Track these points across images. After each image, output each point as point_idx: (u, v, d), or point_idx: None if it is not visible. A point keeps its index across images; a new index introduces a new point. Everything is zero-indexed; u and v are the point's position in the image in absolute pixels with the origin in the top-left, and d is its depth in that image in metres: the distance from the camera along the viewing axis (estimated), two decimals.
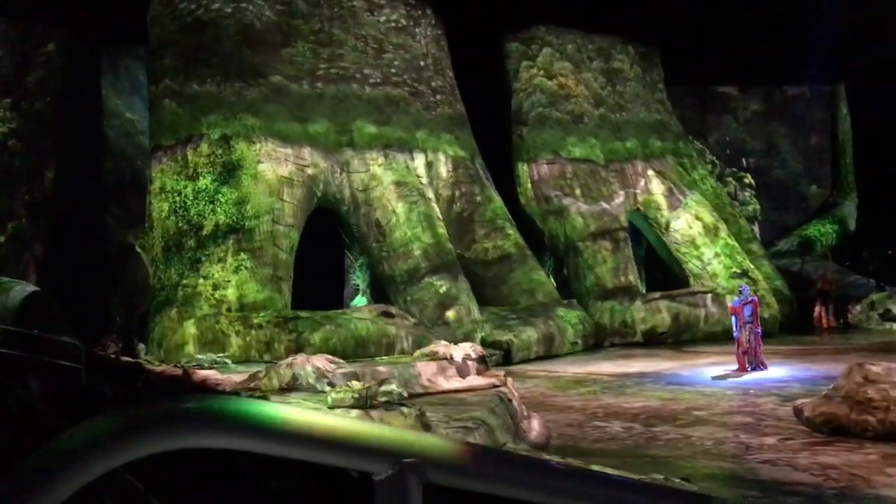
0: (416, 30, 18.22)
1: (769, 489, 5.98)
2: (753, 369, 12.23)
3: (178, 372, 8.68)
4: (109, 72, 18.03)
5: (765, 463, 6.83)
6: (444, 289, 15.52)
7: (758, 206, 23.82)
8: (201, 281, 13.89)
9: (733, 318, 12.66)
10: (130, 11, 16.30)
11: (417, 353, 10.21)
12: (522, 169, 19.52)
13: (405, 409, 6.33)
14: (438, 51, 18.61)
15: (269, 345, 13.08)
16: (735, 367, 12.48)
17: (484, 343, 14.30)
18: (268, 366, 8.91)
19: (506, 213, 17.89)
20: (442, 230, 16.37)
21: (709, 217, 20.15)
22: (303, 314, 13.79)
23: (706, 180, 21.93)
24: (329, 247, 17.07)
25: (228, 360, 11.99)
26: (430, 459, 0.76)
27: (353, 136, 16.32)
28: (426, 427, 6.28)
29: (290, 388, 7.93)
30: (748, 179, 23.96)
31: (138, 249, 13.09)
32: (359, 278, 17.01)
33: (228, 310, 13.69)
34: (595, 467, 5.52)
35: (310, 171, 15.65)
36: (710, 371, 12.78)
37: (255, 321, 13.29)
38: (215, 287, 13.87)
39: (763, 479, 6.32)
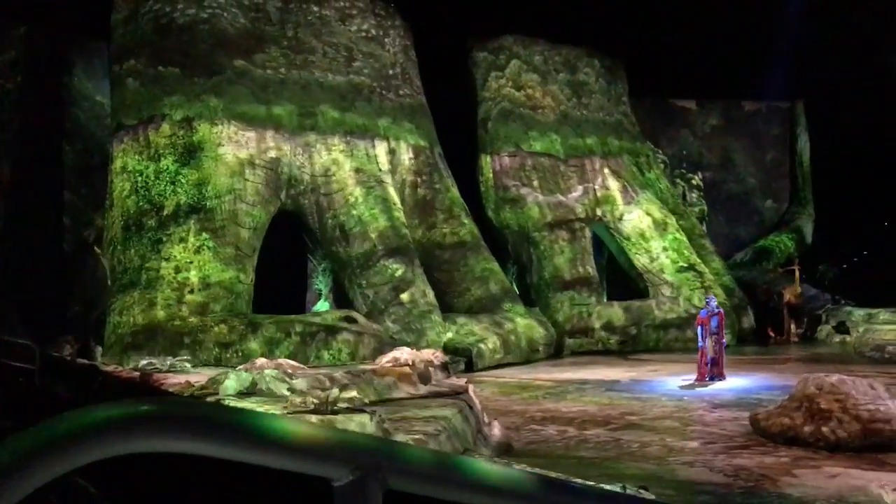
0: (386, 39, 18.36)
1: (683, 488, 6.26)
2: (712, 379, 12.42)
3: (136, 375, 8.53)
4: (81, 54, 17.83)
5: (683, 465, 7.13)
6: (399, 272, 15.72)
7: (705, 208, 24.32)
8: (164, 264, 13.85)
9: (699, 329, 12.84)
10: (99, 11, 16.11)
11: (380, 359, 10.18)
12: (485, 161, 20.11)
13: (366, 416, 6.29)
14: (406, 60, 18.76)
15: (228, 348, 12.94)
16: (695, 376, 12.67)
17: (446, 350, 14.33)
18: (227, 370, 8.80)
19: (462, 203, 18.24)
20: (398, 215, 16.60)
21: (658, 214, 20.80)
22: (264, 318, 13.67)
23: (660, 180, 22.60)
24: (292, 251, 16.96)
25: (187, 364, 11.83)
26: (390, 465, 0.75)
27: (317, 120, 16.45)
28: (387, 433, 6.25)
29: (250, 392, 7.84)
30: (696, 181, 24.52)
31: (97, 250, 12.86)
32: (321, 283, 16.91)
33: (191, 292, 13.66)
34: (553, 474, 5.55)
35: (272, 153, 15.73)
36: (666, 379, 12.99)
37: (215, 327, 13.11)
38: (177, 270, 13.84)
39: (679, 479, 6.62)
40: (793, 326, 19.35)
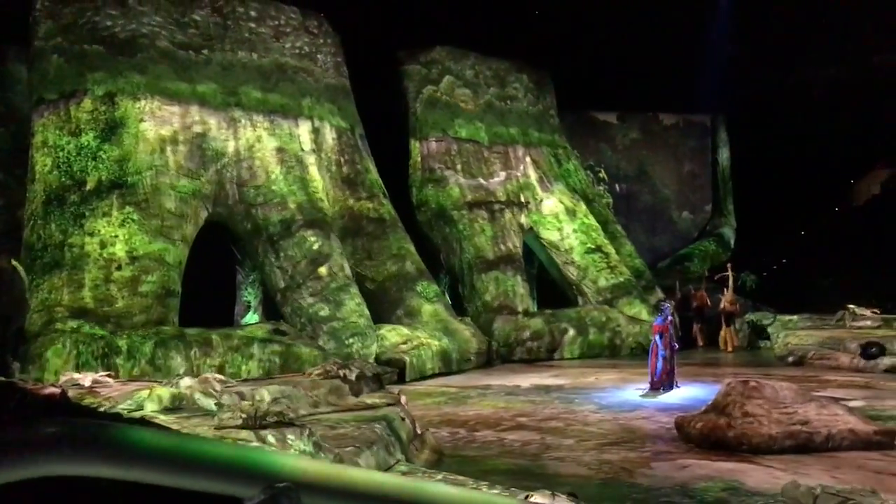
0: (318, 56, 18.39)
1: (549, 480, 6.67)
2: (667, 388, 12.60)
3: (57, 391, 8.24)
4: (14, 38, 17.27)
5: (555, 460, 7.72)
6: (316, 245, 15.82)
7: (610, 200, 25.05)
8: (87, 239, 13.60)
9: (657, 337, 12.82)
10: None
11: (310, 371, 10.06)
12: (414, 145, 20.57)
13: (296, 430, 6.20)
14: (338, 77, 18.84)
15: (154, 362, 12.62)
16: (648, 385, 12.80)
17: (378, 361, 14.27)
18: (152, 384, 8.58)
19: (381, 184, 18.51)
20: (317, 193, 16.75)
21: (570, 202, 21.82)
22: (191, 331, 13.39)
23: (578, 172, 23.46)
24: (219, 264, 16.68)
25: (111, 379, 11.47)
26: (302, 483, 0.74)
27: (241, 98, 16.48)
28: (318, 447, 6.18)
29: (176, 408, 7.66)
30: (602, 174, 25.28)
31: (14, 263, 12.35)
32: (250, 295, 16.66)
33: (119, 268, 13.46)
34: (484, 486, 5.57)
35: (197, 128, 15.68)
36: (616, 388, 13.29)
37: (140, 341, 12.76)
38: (103, 245, 13.63)
39: (548, 472, 7.19)
40: (729, 333, 19.54)
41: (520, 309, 19.36)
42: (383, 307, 16.99)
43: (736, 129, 30.60)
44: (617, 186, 27.05)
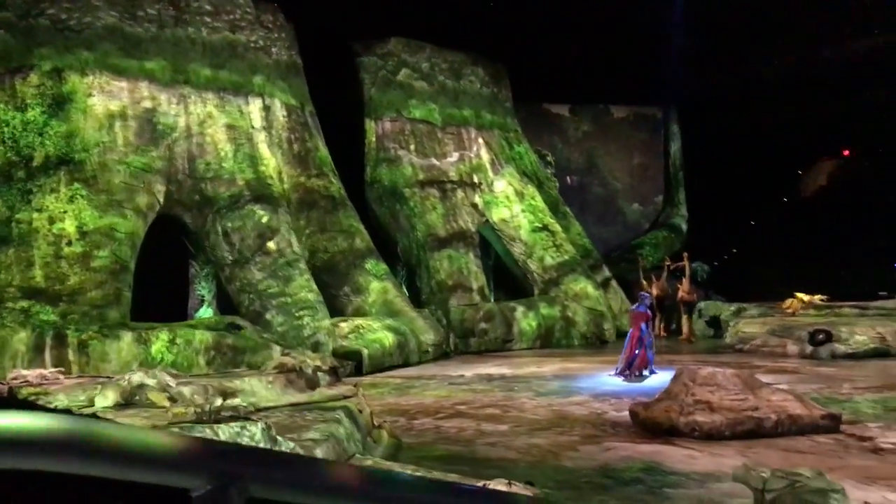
0: (273, 49, 18.25)
1: (478, 464, 7.00)
2: (641, 375, 12.86)
3: (3, 388, 8.04)
4: None
5: (487, 445, 7.94)
6: (265, 219, 15.87)
7: (557, 183, 25.28)
8: (36, 215, 13.46)
9: (643, 326, 13.12)
10: None
11: (265, 364, 9.98)
12: (369, 125, 20.72)
13: (251, 424, 6.15)
14: (290, 54, 18.81)
15: (105, 358, 12.40)
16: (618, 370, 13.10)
17: (336, 354, 14.22)
18: (103, 380, 8.43)
19: (330, 163, 18.59)
20: (266, 170, 16.76)
21: (518, 185, 22.19)
22: (143, 325, 13.19)
23: (528, 154, 23.81)
24: (172, 259, 16.46)
25: (60, 375, 11.24)
26: (252, 473, 0.73)
27: (190, 75, 16.38)
28: (274, 441, 6.14)
29: (128, 403, 7.54)
30: (550, 158, 25.60)
31: None
32: (204, 289, 16.47)
33: (69, 243, 13.34)
34: (437, 474, 5.60)
35: (146, 104, 15.57)
36: (591, 375, 13.51)
37: (88, 334, 12.52)
38: (52, 220, 13.50)
39: (478, 457, 7.42)
40: (687, 322, 19.70)
41: (474, 287, 19.62)
42: (332, 283, 17.05)
43: (687, 122, 31.06)
44: (568, 178, 27.30)
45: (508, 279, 22.05)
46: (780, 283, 20.59)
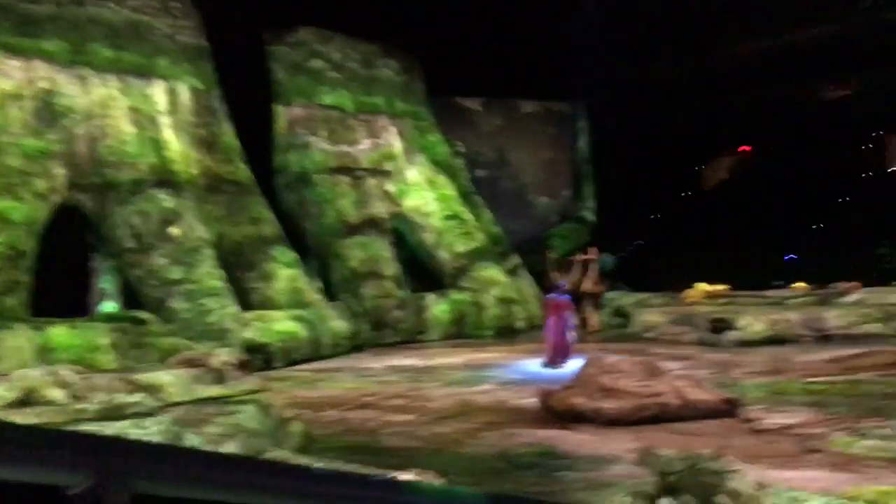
0: (179, 32, 17.84)
1: (381, 453, 7.12)
2: (555, 365, 13.08)
3: None
4: None
5: (391, 435, 8.13)
6: (169, 204, 15.56)
7: (468, 174, 25.37)
8: None
9: (567, 315, 13.40)
10: None
11: (172, 359, 9.72)
12: (279, 111, 20.36)
13: (156, 420, 5.99)
14: (196, 37, 18.34)
15: (1, 352, 11.83)
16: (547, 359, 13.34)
17: (245, 347, 13.96)
18: None
19: (238, 148, 18.29)
20: (171, 155, 16.41)
21: (430, 173, 22.33)
22: (41, 320, 12.66)
23: (441, 144, 23.87)
24: (73, 252, 15.82)
25: None
26: (137, 467, 0.70)
27: (90, 56, 15.86)
28: (179, 438, 5.99)
29: (25, 402, 7.21)
30: (460, 148, 25.83)
31: None
32: (107, 282, 15.89)
33: None
34: (339, 465, 5.58)
35: (43, 84, 14.95)
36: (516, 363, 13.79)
37: None
38: None
39: (382, 447, 7.56)
40: (594, 314, 19.85)
41: (388, 274, 19.62)
42: (239, 270, 16.79)
43: (595, 117, 31.72)
44: (478, 172, 27.53)
45: (423, 272, 22.08)
46: (682, 274, 21.30)
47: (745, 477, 5.01)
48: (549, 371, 12.64)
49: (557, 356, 13.25)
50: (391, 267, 19.95)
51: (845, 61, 29.72)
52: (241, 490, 0.80)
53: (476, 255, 21.42)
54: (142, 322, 13.75)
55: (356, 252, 19.37)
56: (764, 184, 30.30)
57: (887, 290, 17.71)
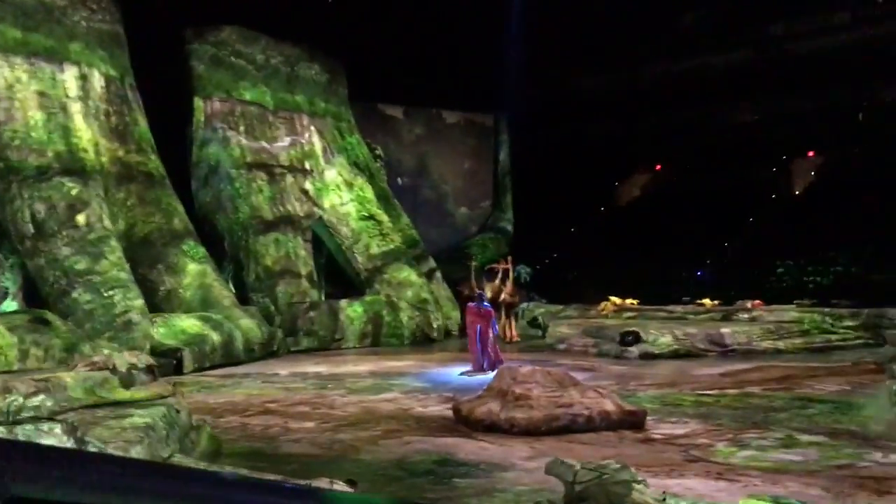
0: (93, 16, 17.38)
1: (278, 460, 7.16)
2: (492, 368, 13.14)
3: None
4: None
5: (290, 442, 8.09)
6: (75, 191, 15.16)
7: (385, 177, 25.43)
8: None
9: (489, 323, 13.53)
10: None
11: (76, 362, 9.37)
12: (198, 103, 20.00)
13: (56, 424, 5.76)
14: (111, 23, 17.79)
15: None
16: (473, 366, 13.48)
17: (154, 352, 13.58)
18: None
19: (150, 139, 17.94)
20: (80, 143, 15.97)
21: (349, 174, 22.29)
22: None
23: (360, 146, 23.85)
24: None
25: None
26: (13, 469, 0.68)
27: None
28: (81, 443, 5.78)
29: None
30: (379, 152, 25.79)
31: None
32: (8, 280, 15.24)
33: None
34: (215, 467, 5.49)
35: None
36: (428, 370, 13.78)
37: None
38: None
39: (280, 453, 7.53)
40: (510, 324, 19.81)
41: (303, 273, 19.45)
42: (146, 261, 16.45)
43: (516, 130, 32.20)
44: (399, 180, 27.56)
45: (343, 277, 21.91)
46: (596, 287, 21.76)
47: (650, 487, 5.16)
48: (468, 378, 12.73)
49: (482, 364, 13.37)
50: (307, 265, 19.78)
51: (756, 86, 31.04)
52: (131, 494, 0.78)
53: (390, 257, 21.41)
54: (46, 322, 13.22)
55: (270, 249, 19.15)
56: (676, 201, 31.27)
57: (784, 308, 18.51)
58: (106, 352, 9.62)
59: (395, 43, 25.37)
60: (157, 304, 16.23)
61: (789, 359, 14.79)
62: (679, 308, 20.06)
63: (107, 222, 15.43)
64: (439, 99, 28.97)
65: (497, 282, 19.45)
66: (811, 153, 32.04)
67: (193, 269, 16.86)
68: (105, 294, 14.34)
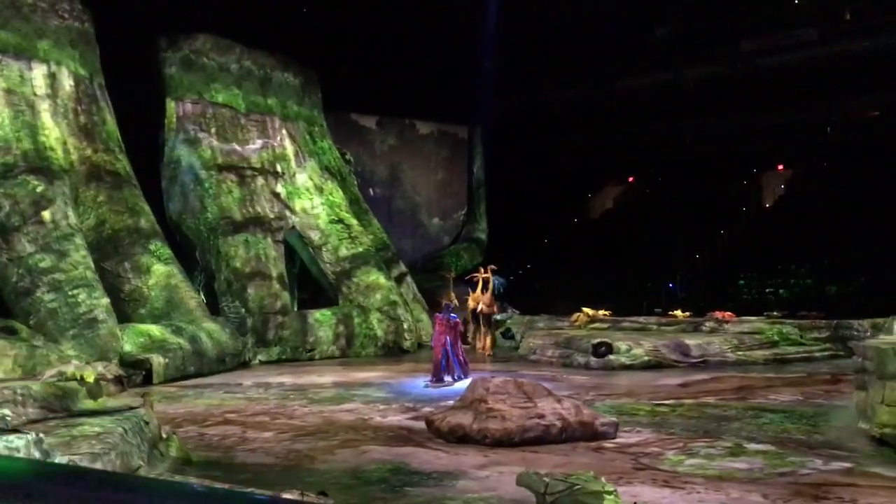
0: (63, 14, 17.14)
1: (233, 469, 7.18)
2: (459, 378, 13.15)
3: None
4: None
5: (247, 451, 8.13)
6: (40, 189, 15.03)
7: (356, 181, 25.36)
8: None
9: (456, 334, 13.51)
10: None
11: (42, 372, 9.22)
12: (170, 105, 19.91)
13: (20, 436, 5.65)
14: (81, 22, 17.58)
15: None
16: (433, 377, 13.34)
17: (123, 363, 13.42)
18: None
19: (118, 139, 17.82)
20: (47, 141, 15.86)
21: (319, 178, 22.23)
22: None
23: (332, 150, 23.79)
24: None
25: None
26: None
27: None
28: (46, 455, 5.68)
29: None
30: (349, 157, 25.81)
31: None
32: None
33: None
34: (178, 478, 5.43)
35: None
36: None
37: None
38: None
39: (235, 463, 7.56)
40: (487, 334, 19.24)
41: (273, 274, 19.37)
42: (113, 259, 16.30)
43: (490, 142, 32.33)
44: (371, 190, 27.51)
45: (316, 286, 21.75)
46: (568, 298, 21.84)
47: (622, 497, 5.18)
48: (432, 389, 12.69)
49: (445, 374, 13.35)
50: (277, 266, 19.68)
51: (728, 101, 31.47)
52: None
53: (359, 260, 21.29)
54: (13, 331, 13.00)
55: (240, 251, 19.06)
56: (647, 213, 31.55)
57: (753, 320, 18.72)
58: (74, 362, 9.47)
59: (368, 53, 25.41)
60: (122, 301, 16.07)
61: (753, 370, 14.97)
62: (652, 319, 20.18)
63: (72, 220, 15.26)
64: (412, 109, 29.02)
65: (478, 291, 19.20)
66: (780, 167, 32.53)
67: (159, 270, 16.74)
68: (70, 293, 14.19)
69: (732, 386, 12.75)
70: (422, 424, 9.39)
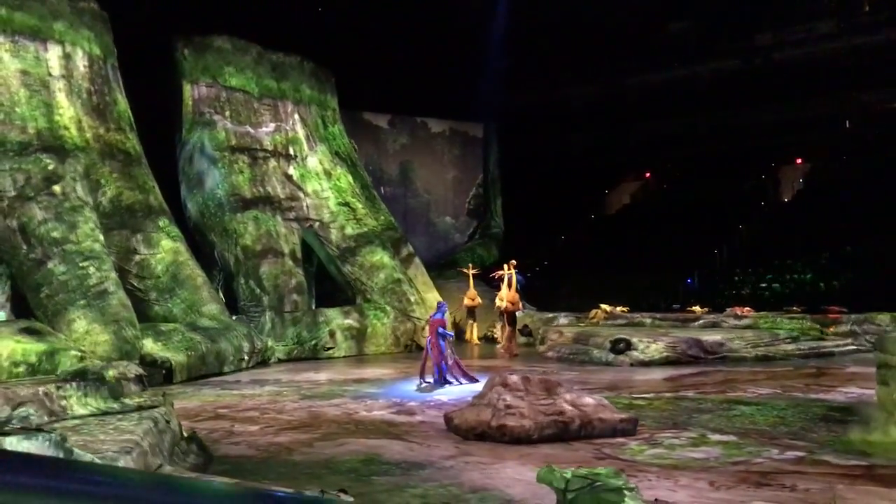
0: (77, 3, 17.32)
1: (220, 461, 7.47)
2: (456, 380, 12.97)
3: None
4: None
5: (231, 444, 8.33)
6: (51, 166, 15.32)
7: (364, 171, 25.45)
8: None
9: (443, 332, 13.21)
10: None
11: (63, 372, 9.32)
12: (186, 88, 20.23)
13: (45, 436, 5.71)
14: (94, 2, 17.73)
15: None
16: (430, 378, 13.09)
17: (144, 362, 13.53)
18: None
19: (130, 119, 18.03)
20: (61, 121, 16.08)
21: (329, 163, 22.43)
22: None
23: (343, 136, 23.85)
24: None
25: None
26: None
27: None
28: (69, 454, 5.73)
29: None
30: (353, 145, 25.67)
31: None
32: None
33: None
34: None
35: None
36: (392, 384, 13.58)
37: None
38: None
39: (217, 456, 7.75)
40: (512, 332, 18.51)
41: (285, 250, 19.58)
42: (121, 234, 16.46)
43: (505, 139, 32.29)
44: (383, 189, 27.56)
45: (337, 291, 21.76)
46: (586, 294, 21.75)
47: (642, 494, 5.16)
48: (424, 389, 12.58)
49: (448, 375, 13.09)
50: (289, 242, 19.90)
51: (745, 96, 31.24)
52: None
53: (364, 239, 21.46)
54: (35, 332, 13.13)
55: (249, 227, 19.32)
56: (665, 208, 31.40)
57: (766, 315, 18.58)
58: (96, 361, 9.56)
59: (380, 52, 25.43)
60: (130, 272, 16.34)
61: (775, 364, 14.85)
62: (670, 315, 20.08)
63: (81, 194, 15.55)
64: (425, 108, 29.03)
65: (503, 289, 18.86)
66: (799, 161, 32.26)
67: (168, 245, 17.01)
68: (80, 264, 14.46)
69: (716, 380, 12.81)
70: (404, 418, 9.65)
